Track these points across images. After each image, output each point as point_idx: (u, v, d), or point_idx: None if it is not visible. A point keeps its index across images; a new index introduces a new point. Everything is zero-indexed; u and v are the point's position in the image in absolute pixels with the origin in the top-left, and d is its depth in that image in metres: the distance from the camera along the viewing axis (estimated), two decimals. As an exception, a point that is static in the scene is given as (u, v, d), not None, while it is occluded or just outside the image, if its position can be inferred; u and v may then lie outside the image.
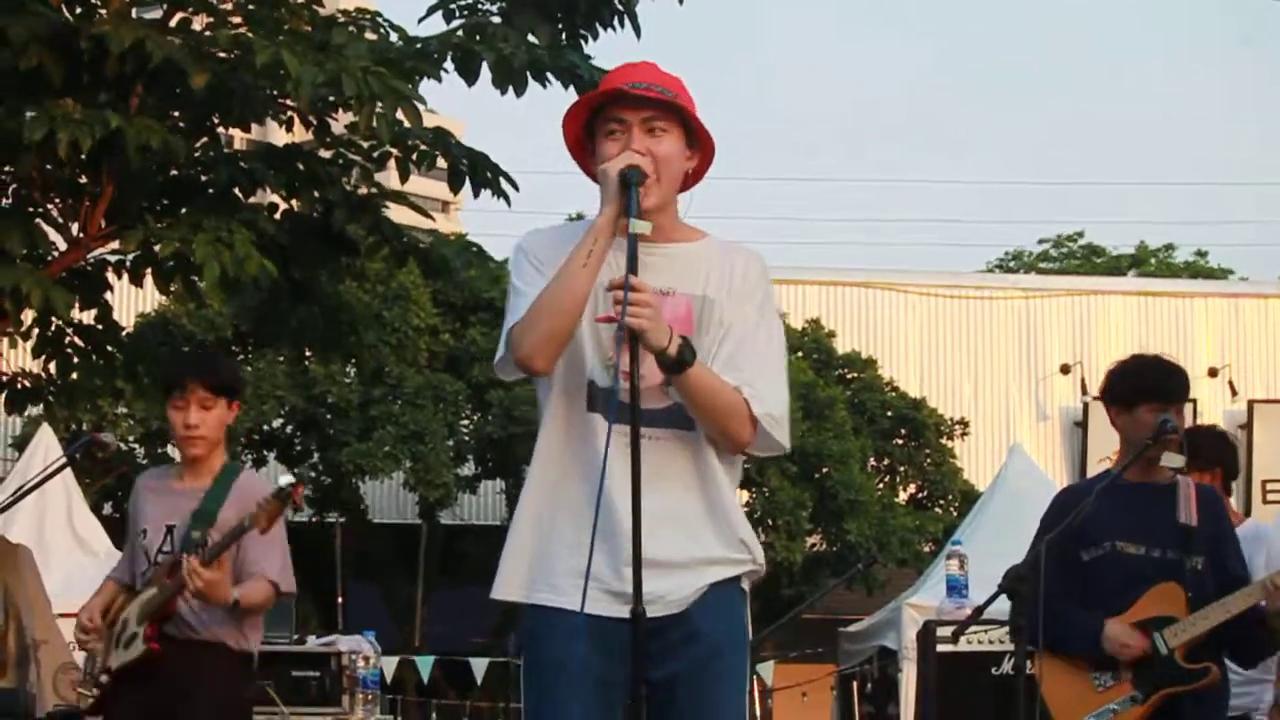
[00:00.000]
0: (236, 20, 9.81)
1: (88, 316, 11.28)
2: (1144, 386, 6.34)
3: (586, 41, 10.52)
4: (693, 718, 4.29)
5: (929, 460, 24.50)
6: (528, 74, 10.14)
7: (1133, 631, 6.19)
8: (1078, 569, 6.23)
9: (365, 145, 10.70)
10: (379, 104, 9.44)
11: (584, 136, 4.45)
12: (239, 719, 6.64)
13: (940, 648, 8.60)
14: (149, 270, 10.70)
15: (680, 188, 4.45)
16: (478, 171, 10.57)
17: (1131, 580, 6.24)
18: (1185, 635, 6.17)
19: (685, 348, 4.21)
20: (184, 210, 10.42)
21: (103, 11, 9.84)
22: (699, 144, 4.44)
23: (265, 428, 22.73)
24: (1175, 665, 6.18)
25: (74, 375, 11.22)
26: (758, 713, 9.44)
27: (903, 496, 24.51)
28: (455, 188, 10.67)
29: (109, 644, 6.49)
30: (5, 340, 11.17)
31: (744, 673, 4.43)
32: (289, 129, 10.90)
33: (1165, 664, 6.18)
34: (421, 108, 9.92)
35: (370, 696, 9.58)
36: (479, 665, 18.49)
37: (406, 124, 9.88)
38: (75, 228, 10.52)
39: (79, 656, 6.75)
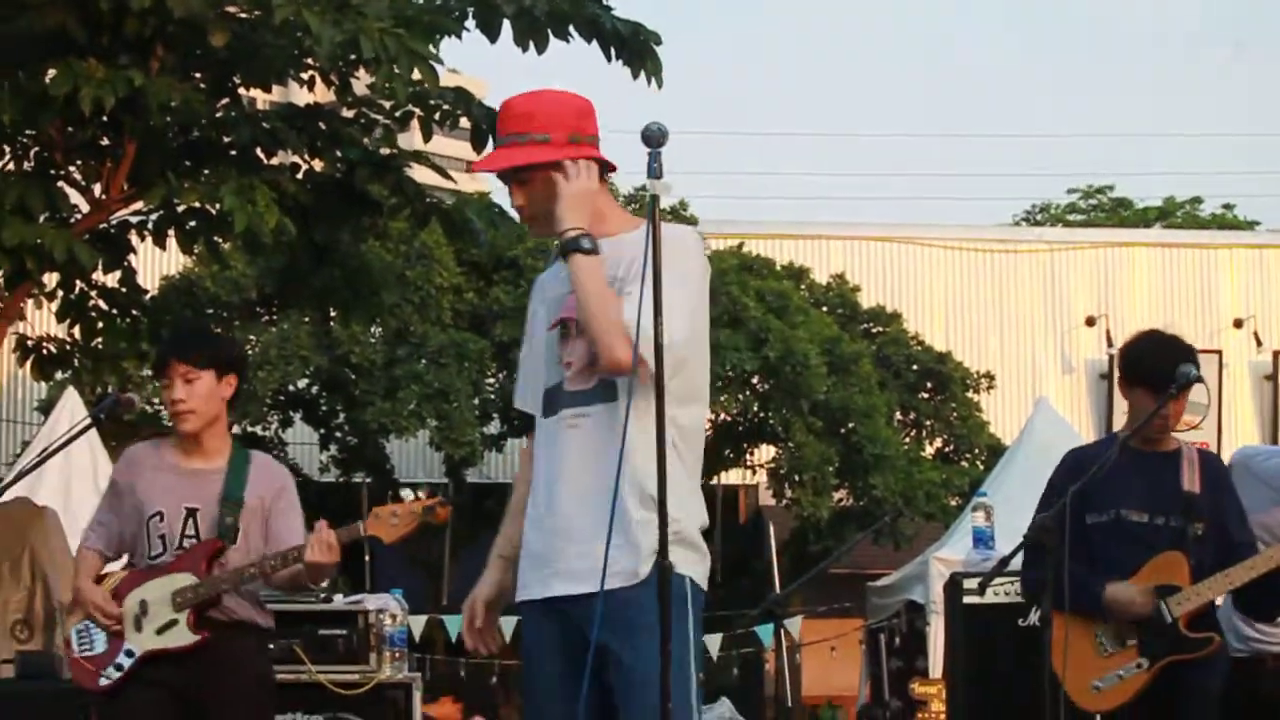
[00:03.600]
0: (256, -20, 9.79)
1: (111, 280, 11.30)
2: (1140, 371, 6.38)
3: (606, -6, 10.48)
4: (624, 683, 4.45)
5: (955, 414, 24.41)
6: (549, 31, 10.13)
7: (1138, 590, 6.20)
8: (1082, 531, 6.23)
9: (387, 105, 10.70)
10: (395, 65, 9.44)
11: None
12: (271, 691, 6.70)
13: (967, 600, 8.58)
14: (171, 230, 10.73)
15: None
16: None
17: (1135, 548, 6.30)
18: (1188, 605, 6.22)
19: (585, 236, 4.48)
20: (205, 171, 10.43)
21: (122, -28, 9.83)
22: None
23: (291, 388, 22.75)
24: (1179, 634, 6.22)
25: (99, 339, 11.24)
26: (785, 668, 9.44)
27: (929, 450, 24.42)
28: (478, 147, 10.67)
29: (126, 626, 6.39)
30: (30, 302, 11.19)
31: (656, 635, 4.30)
32: (310, 89, 10.89)
33: (1169, 632, 6.21)
34: (443, 69, 9.91)
35: (398, 654, 9.57)
36: (508, 623, 18.45)
37: (426, 85, 9.87)
38: (97, 189, 10.53)
39: (73, 633, 6.62)
